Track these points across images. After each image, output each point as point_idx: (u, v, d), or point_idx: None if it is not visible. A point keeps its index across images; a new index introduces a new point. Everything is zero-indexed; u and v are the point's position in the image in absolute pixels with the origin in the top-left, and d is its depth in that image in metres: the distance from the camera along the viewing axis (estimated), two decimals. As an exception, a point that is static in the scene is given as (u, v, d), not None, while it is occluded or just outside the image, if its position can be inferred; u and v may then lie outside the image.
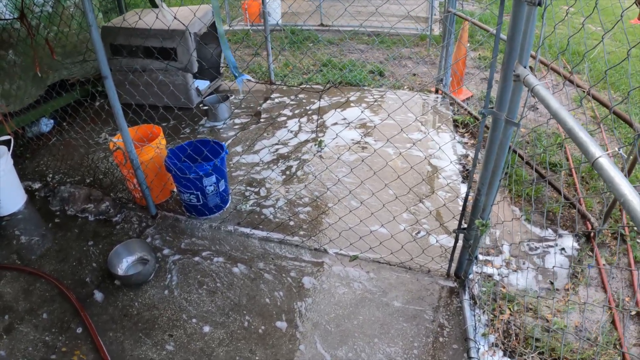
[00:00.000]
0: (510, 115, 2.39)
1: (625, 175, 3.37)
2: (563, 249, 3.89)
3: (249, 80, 3.88)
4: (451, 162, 4.92)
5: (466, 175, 4.81)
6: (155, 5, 6.42)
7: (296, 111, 6.40)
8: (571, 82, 3.20)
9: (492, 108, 2.58)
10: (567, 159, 5.01)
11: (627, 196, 1.26)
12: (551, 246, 3.92)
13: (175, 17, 3.80)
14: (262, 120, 6.19)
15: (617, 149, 1.48)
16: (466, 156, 5.19)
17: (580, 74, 6.94)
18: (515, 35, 2.24)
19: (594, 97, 3.48)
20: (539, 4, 1.96)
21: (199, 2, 10.59)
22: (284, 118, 6.22)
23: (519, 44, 2.22)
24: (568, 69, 7.03)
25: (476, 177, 3.04)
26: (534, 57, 2.67)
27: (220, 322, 3.30)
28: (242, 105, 6.65)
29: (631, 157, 3.57)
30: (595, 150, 1.43)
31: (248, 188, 4.74)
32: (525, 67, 2.17)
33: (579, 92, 4.86)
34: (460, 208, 3.18)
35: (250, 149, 5.47)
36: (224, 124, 6.09)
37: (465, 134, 5.70)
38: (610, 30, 2.25)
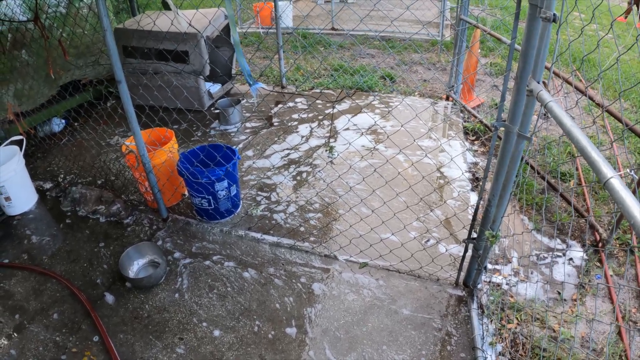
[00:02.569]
0: (523, 129, 2.41)
1: (635, 192, 3.38)
2: (571, 259, 3.89)
3: (264, 88, 3.91)
4: (463, 172, 4.93)
5: (476, 185, 4.81)
6: (167, 7, 6.45)
7: (307, 116, 6.42)
8: (584, 94, 3.20)
9: (505, 121, 2.59)
10: (577, 169, 5.00)
11: (637, 218, 1.26)
12: (559, 256, 3.93)
13: (189, 24, 3.83)
14: (273, 124, 6.22)
15: (629, 171, 1.49)
16: (476, 164, 5.19)
17: (590, 81, 6.92)
18: (529, 50, 2.25)
19: (609, 112, 3.48)
20: (554, 21, 1.97)
21: (211, 5, 10.63)
22: (295, 123, 6.24)
23: (532, 59, 2.23)
24: (579, 77, 7.02)
25: (487, 186, 3.05)
26: (548, 69, 2.68)
27: (230, 326, 3.33)
28: (254, 110, 6.68)
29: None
30: (607, 171, 1.43)
31: (259, 193, 4.77)
32: (538, 82, 2.18)
33: (589, 102, 4.86)
34: (470, 217, 3.20)
35: (262, 153, 5.50)
36: (235, 127, 6.12)
37: (475, 142, 5.70)
38: (607, 33, 2.26)
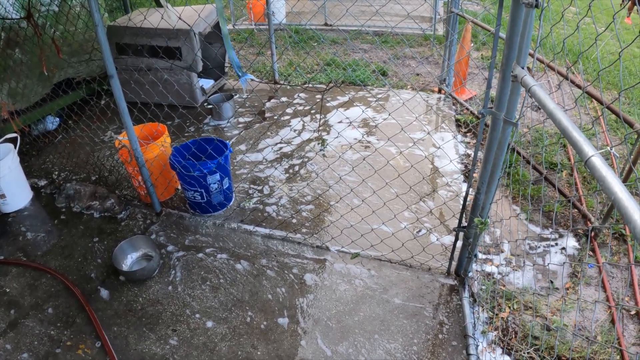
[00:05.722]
0: (509, 115, 2.43)
1: (621, 175, 3.40)
2: (563, 248, 3.91)
3: (253, 79, 3.92)
4: (451, 161, 4.95)
5: (467, 175, 4.83)
6: (160, 5, 6.46)
7: (300, 110, 6.44)
8: (566, 78, 3.22)
9: (492, 108, 2.61)
10: (569, 159, 5.02)
11: (617, 194, 1.28)
12: (551, 245, 3.95)
13: (180, 18, 3.85)
14: (266, 119, 6.23)
15: (609, 149, 1.51)
16: (468, 155, 5.21)
17: (577, 72, 6.94)
18: (514, 37, 2.27)
19: (589, 94, 3.51)
20: (537, 6, 1.99)
21: (204, 2, 10.63)
22: (288, 117, 6.25)
23: (517, 45, 2.26)
24: (572, 70, 7.04)
25: (476, 175, 3.07)
26: (532, 56, 2.70)
27: (223, 317, 3.35)
28: (246, 104, 6.70)
29: (632, 156, 3.59)
30: (588, 149, 1.45)
31: (252, 186, 4.79)
32: (523, 68, 2.20)
33: (574, 91, 4.88)
34: (461, 207, 3.21)
35: (254, 147, 5.52)
36: (228, 122, 6.13)
37: (467, 134, 5.72)
38: (604, 31, 2.28)
